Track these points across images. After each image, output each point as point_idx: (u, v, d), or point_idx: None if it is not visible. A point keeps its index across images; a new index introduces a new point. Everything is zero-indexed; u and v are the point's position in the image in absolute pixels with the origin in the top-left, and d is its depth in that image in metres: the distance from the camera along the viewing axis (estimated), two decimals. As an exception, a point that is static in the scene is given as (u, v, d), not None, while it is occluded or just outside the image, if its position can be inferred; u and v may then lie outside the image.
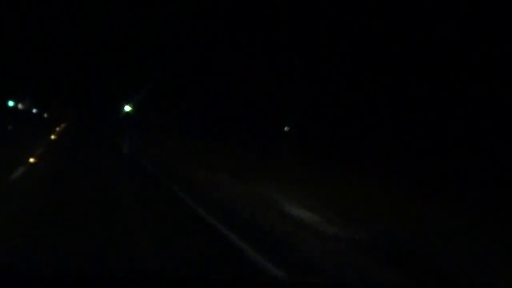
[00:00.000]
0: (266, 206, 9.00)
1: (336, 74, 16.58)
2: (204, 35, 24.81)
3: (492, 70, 12.15)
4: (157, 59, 33.23)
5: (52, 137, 27.15)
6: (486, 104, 12.31)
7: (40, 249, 5.64)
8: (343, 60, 16.20)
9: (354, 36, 15.49)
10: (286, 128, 22.72)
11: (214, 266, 5.48)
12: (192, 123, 29.92)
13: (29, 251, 5.54)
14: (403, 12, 13.88)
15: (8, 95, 49.97)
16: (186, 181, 12.24)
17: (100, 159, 17.22)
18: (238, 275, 4.98)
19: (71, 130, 39.32)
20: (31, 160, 14.28)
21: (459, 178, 10.69)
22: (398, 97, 14.75)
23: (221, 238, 6.84)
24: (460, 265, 5.71)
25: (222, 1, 22.62)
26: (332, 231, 7.13)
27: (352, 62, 15.96)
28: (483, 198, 9.02)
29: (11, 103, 52.98)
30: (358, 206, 8.57)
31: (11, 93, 50.33)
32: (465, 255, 6.03)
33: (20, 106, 58.92)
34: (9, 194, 9.16)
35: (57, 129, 36.76)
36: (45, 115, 70.90)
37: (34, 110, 70.66)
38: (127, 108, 44.99)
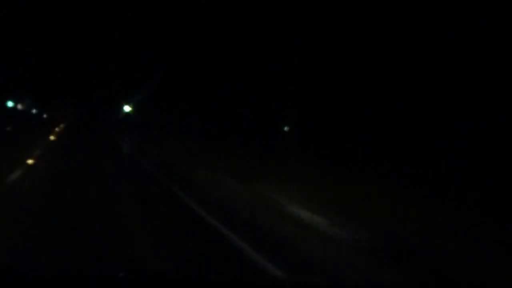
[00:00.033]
0: (266, 206, 9.00)
1: (336, 74, 16.58)
2: (204, 35, 24.81)
3: (492, 70, 12.14)
4: (157, 59, 33.24)
5: (52, 137, 27.04)
6: (486, 104, 12.31)
7: (32, 258, 5.63)
8: (343, 60, 16.20)
9: (354, 36, 15.49)
10: (286, 128, 22.72)
11: (213, 265, 5.48)
12: (192, 123, 29.92)
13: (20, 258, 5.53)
14: (403, 12, 13.87)
15: (7, 95, 49.89)
16: (186, 181, 12.23)
17: (100, 159, 17.21)
18: (238, 275, 4.98)
19: (71, 131, 39.24)
20: (29, 161, 14.13)
21: (459, 178, 10.68)
22: (398, 97, 14.74)
23: (221, 238, 6.84)
24: (460, 265, 5.70)
25: (222, 1, 22.62)
26: (332, 231, 7.13)
27: (352, 62, 15.96)
28: (483, 198, 9.02)
29: (10, 104, 52.87)
30: (358, 206, 8.56)
31: (10, 93, 50.25)
32: (465, 255, 6.03)
33: (19, 106, 58.82)
34: (4, 197, 9.07)
35: (57, 129, 36.60)
36: (45, 115, 70.79)
37: (34, 111, 70.63)
38: (127, 108, 45.00)
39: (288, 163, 14.92)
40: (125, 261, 5.52)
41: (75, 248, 5.77)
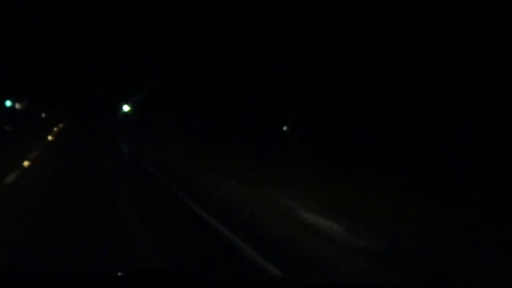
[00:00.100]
0: (266, 206, 9.00)
1: (336, 74, 16.58)
2: (204, 35, 24.82)
3: (492, 70, 12.15)
4: (157, 59, 33.27)
5: (50, 137, 26.85)
6: (486, 104, 12.31)
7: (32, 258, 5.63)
8: (343, 60, 16.21)
9: (354, 36, 15.50)
10: (285, 128, 22.74)
11: (213, 265, 5.49)
12: (192, 123, 29.93)
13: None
14: (403, 12, 13.88)
15: (5, 95, 49.74)
16: (186, 181, 12.23)
17: (99, 159, 17.20)
18: (238, 275, 4.98)
19: (70, 131, 39.10)
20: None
21: (459, 178, 10.68)
22: (398, 97, 14.75)
23: (221, 238, 6.84)
24: (460, 265, 5.70)
25: (222, 1, 22.63)
26: (332, 230, 7.13)
27: (352, 62, 15.96)
28: (483, 198, 9.02)
29: (8, 103, 52.71)
30: (358, 206, 8.57)
31: (8, 93, 50.12)
32: (465, 255, 6.03)
33: (17, 106, 58.63)
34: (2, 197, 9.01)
35: (55, 129, 36.36)
36: (43, 115, 70.59)
37: (33, 110, 70.45)
38: (126, 108, 45.00)
39: (288, 163, 14.91)
40: (125, 261, 5.52)
41: (75, 249, 5.77)
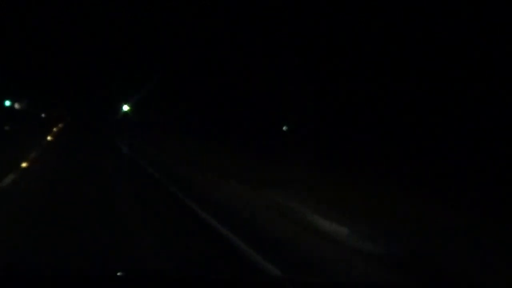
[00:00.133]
0: (266, 206, 9.00)
1: (336, 74, 16.58)
2: (204, 35, 24.82)
3: (492, 70, 12.15)
4: (157, 59, 33.27)
5: (50, 137, 26.76)
6: (486, 104, 12.31)
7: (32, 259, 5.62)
8: (343, 60, 16.21)
9: (354, 36, 15.50)
10: (284, 128, 22.74)
11: (212, 265, 5.49)
12: (192, 123, 29.92)
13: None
14: (403, 12, 13.88)
15: (5, 95, 49.66)
16: (186, 181, 12.24)
17: (99, 159, 17.20)
18: (238, 275, 4.98)
19: (70, 131, 39.05)
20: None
21: (459, 178, 10.68)
22: (398, 97, 14.75)
23: (220, 238, 6.84)
24: (460, 265, 5.70)
25: (222, 1, 22.63)
26: (331, 230, 7.13)
27: (352, 62, 15.96)
28: (483, 198, 9.01)
29: (7, 103, 52.60)
30: (358, 206, 8.56)
31: (7, 93, 50.03)
32: (465, 255, 6.02)
33: (16, 105, 58.46)
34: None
35: (55, 129, 36.26)
36: (43, 115, 70.49)
37: (32, 110, 70.37)
38: (125, 108, 44.99)
39: (288, 163, 14.91)
40: (125, 261, 5.52)
41: (75, 250, 5.77)
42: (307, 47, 17.34)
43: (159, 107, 37.51)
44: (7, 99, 51.91)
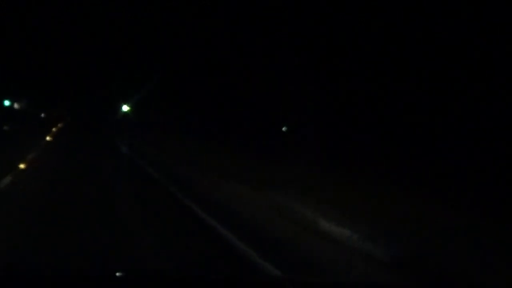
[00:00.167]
0: (266, 206, 9.00)
1: (336, 74, 16.58)
2: (204, 35, 24.82)
3: (492, 70, 12.15)
4: (157, 59, 33.27)
5: (49, 138, 26.64)
6: (486, 104, 12.31)
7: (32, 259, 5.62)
8: (343, 60, 16.21)
9: (354, 36, 15.50)
10: (284, 128, 22.74)
11: (212, 264, 5.49)
12: (192, 123, 29.91)
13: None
14: (403, 12, 13.88)
15: (4, 95, 49.56)
16: (186, 181, 12.24)
17: (100, 159, 17.21)
18: (238, 275, 4.98)
19: (69, 131, 39.01)
20: (22, 166, 12.91)
21: (459, 178, 10.68)
22: (398, 97, 14.75)
23: (220, 238, 6.85)
24: (460, 265, 5.70)
25: (222, 1, 22.63)
26: (332, 229, 7.13)
27: (352, 62, 15.96)
28: (483, 198, 9.01)
29: (7, 103, 52.47)
30: (358, 206, 8.56)
31: (7, 92, 49.95)
32: (465, 255, 6.02)
33: (16, 105, 58.35)
34: None
35: (54, 129, 36.15)
36: (42, 115, 70.37)
37: (32, 110, 70.26)
38: (125, 108, 44.98)
39: (288, 163, 14.91)
40: (125, 261, 5.52)
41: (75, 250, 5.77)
42: (307, 47, 17.34)
43: (159, 107, 37.50)
44: (7, 99, 51.85)
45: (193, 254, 5.94)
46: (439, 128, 13.57)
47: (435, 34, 13.13)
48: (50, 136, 27.87)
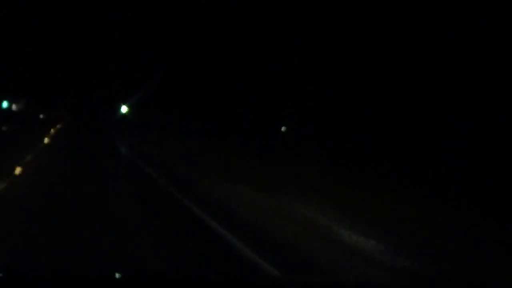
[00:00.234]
0: (266, 206, 9.00)
1: (336, 74, 16.58)
2: (204, 35, 24.82)
3: (492, 70, 12.15)
4: (157, 59, 33.27)
5: (47, 139, 26.52)
6: (486, 104, 12.31)
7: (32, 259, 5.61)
8: (343, 60, 16.21)
9: (354, 36, 15.50)
10: (283, 128, 22.75)
11: (212, 264, 5.49)
12: (192, 123, 29.92)
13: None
14: (403, 12, 13.88)
15: (3, 95, 49.43)
16: (186, 181, 12.23)
17: (99, 159, 17.21)
18: (237, 275, 4.98)
19: (69, 131, 38.94)
20: (18, 170, 12.18)
21: (459, 178, 10.68)
22: (398, 97, 14.75)
23: (220, 238, 6.85)
24: (460, 265, 5.70)
25: (222, 1, 22.63)
26: (331, 229, 7.13)
27: (352, 62, 15.96)
28: (483, 198, 9.01)
29: (5, 104, 52.26)
30: (358, 206, 8.57)
31: (5, 93, 49.83)
32: (465, 255, 6.02)
33: (14, 107, 58.14)
34: None
35: (53, 130, 36.01)
36: (41, 115, 70.17)
37: (31, 111, 70.07)
38: (124, 108, 44.97)
39: (288, 163, 14.92)
40: (125, 261, 5.52)
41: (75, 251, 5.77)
42: (307, 47, 17.34)
43: (159, 107, 37.50)
44: (5, 99, 51.72)
45: (193, 254, 5.94)
46: (439, 128, 13.57)
47: (435, 34, 13.13)
48: (50, 136, 27.84)
